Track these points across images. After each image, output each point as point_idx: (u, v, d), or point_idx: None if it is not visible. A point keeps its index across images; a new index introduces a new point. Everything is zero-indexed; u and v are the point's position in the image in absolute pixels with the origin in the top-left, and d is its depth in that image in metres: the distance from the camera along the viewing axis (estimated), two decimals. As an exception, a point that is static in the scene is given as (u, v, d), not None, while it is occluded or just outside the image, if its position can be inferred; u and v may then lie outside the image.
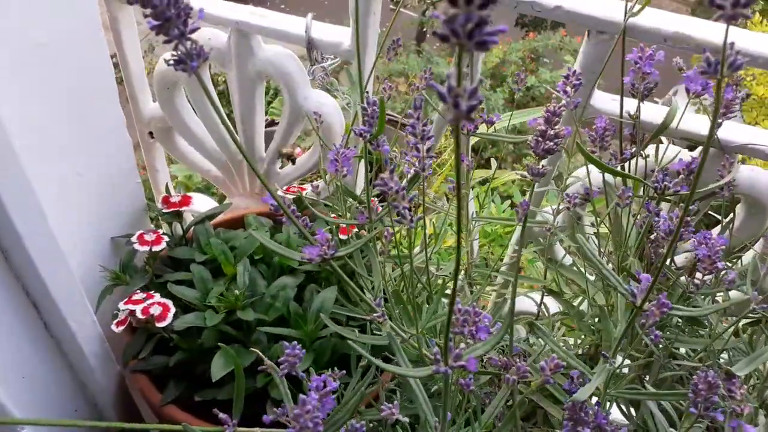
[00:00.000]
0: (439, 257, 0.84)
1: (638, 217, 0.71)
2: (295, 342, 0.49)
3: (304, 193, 0.98)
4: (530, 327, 0.73)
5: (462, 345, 0.45)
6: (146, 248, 0.80)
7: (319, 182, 1.03)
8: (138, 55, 0.97)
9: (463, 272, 0.90)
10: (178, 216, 0.89)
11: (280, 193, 1.05)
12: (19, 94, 0.62)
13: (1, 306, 0.61)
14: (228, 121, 0.60)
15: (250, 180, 1.08)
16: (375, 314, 0.63)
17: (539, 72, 3.85)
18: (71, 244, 0.70)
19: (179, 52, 0.44)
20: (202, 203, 1.16)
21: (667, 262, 0.74)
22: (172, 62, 0.44)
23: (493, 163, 0.97)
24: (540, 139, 0.62)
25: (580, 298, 0.91)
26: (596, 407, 0.55)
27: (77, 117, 0.74)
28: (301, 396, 0.43)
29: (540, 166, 0.64)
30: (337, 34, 0.83)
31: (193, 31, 0.43)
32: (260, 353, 0.63)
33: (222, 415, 0.52)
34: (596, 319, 0.84)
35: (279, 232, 0.95)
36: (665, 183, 0.63)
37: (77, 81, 0.72)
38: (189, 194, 0.90)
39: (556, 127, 0.63)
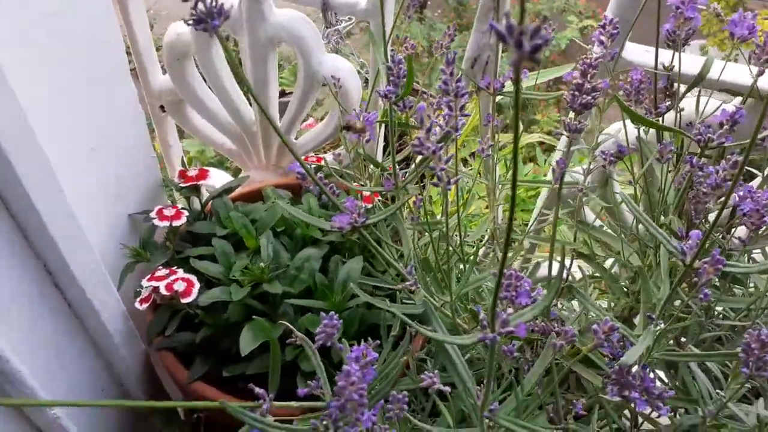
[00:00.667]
0: (466, 223, 0.81)
1: (677, 173, 0.68)
2: (333, 312, 0.47)
3: (324, 162, 0.96)
4: (567, 290, 0.71)
5: (509, 310, 0.43)
6: (166, 223, 0.78)
7: (341, 150, 1.01)
8: (146, 27, 0.94)
9: (490, 238, 0.87)
10: (196, 190, 0.87)
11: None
12: (27, 66, 0.59)
13: (24, 287, 0.60)
14: (252, 88, 0.57)
15: (266, 152, 1.06)
16: (407, 282, 0.61)
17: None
18: (89, 221, 0.68)
19: (199, 11, 0.42)
20: (217, 178, 1.14)
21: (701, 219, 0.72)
22: (191, 22, 0.42)
23: (519, 125, 0.94)
24: (576, 93, 0.59)
25: (611, 260, 0.88)
26: (642, 370, 0.53)
27: (86, 90, 0.71)
28: (345, 367, 0.41)
29: (577, 122, 0.61)
30: (353, -6, 0.79)
31: (213, -15, 0.40)
32: (290, 325, 0.62)
33: (258, 390, 0.51)
34: (629, 281, 0.82)
35: (299, 204, 0.93)
36: (709, 135, 0.60)
37: (87, 53, 0.69)
38: (205, 168, 0.88)
39: (592, 80, 0.60)
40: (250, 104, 0.99)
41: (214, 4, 0.42)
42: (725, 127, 0.60)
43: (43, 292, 0.63)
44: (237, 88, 0.98)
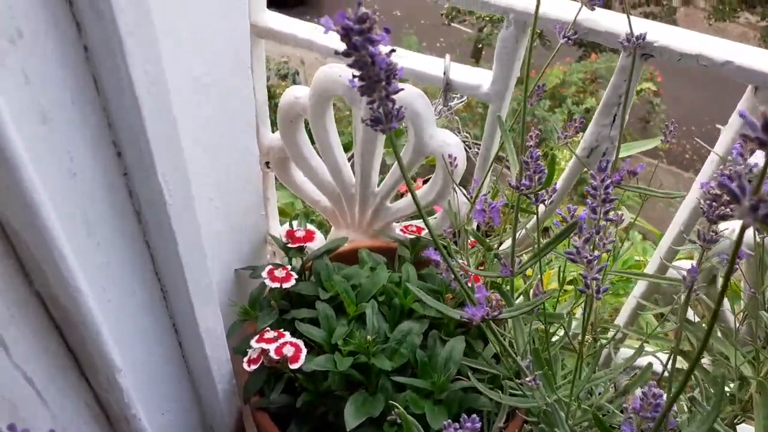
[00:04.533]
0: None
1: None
2: (474, 415, 0.47)
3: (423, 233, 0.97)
4: (690, 401, 0.70)
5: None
6: (277, 285, 0.79)
7: (437, 218, 1.02)
8: (264, 88, 0.98)
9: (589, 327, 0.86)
10: (301, 251, 0.89)
11: (397, 231, 1.04)
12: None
13: (153, 346, 0.62)
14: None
15: (360, 214, 1.08)
16: (527, 378, 0.61)
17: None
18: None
19: (379, 112, 0.44)
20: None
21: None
22: (369, 122, 0.44)
23: (625, 211, 0.94)
24: (714, 203, 0.59)
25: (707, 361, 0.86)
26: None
27: (219, 147, 0.75)
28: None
29: (712, 233, 0.61)
30: (476, 77, 0.81)
31: (396, 92, 0.42)
32: (399, 407, 0.62)
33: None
34: (737, 388, 0.79)
35: (393, 271, 0.94)
36: None
37: (229, 111, 0.73)
38: (311, 229, 0.90)
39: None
40: (354, 168, 1.02)
41: (394, 107, 0.44)
42: None
43: (168, 351, 0.65)
44: (342, 152, 1.01)
